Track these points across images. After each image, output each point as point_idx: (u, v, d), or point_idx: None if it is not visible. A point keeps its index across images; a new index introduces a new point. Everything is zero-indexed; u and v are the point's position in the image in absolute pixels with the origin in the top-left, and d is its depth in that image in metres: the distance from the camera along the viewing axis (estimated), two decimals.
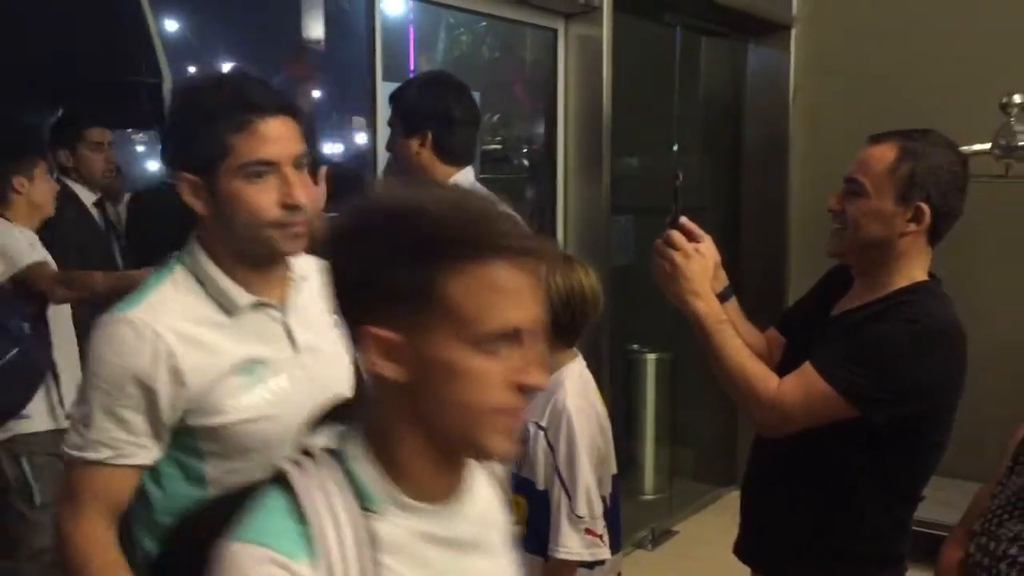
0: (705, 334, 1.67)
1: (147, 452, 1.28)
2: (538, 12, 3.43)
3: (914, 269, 1.64)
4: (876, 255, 1.64)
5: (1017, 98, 3.33)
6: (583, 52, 3.52)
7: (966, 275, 2.75)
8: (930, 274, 1.68)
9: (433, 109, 2.27)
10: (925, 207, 1.57)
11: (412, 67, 4.10)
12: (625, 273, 4.03)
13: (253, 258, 1.32)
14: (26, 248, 2.64)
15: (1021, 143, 3.34)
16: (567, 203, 3.63)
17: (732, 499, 2.22)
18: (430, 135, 2.25)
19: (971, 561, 1.40)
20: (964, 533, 1.50)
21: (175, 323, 1.27)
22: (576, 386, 1.95)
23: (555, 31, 3.52)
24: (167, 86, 8.21)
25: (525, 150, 4.10)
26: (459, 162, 2.32)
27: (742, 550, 1.88)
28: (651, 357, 4.53)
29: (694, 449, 4.85)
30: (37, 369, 2.61)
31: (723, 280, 1.83)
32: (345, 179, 3.50)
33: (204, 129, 1.25)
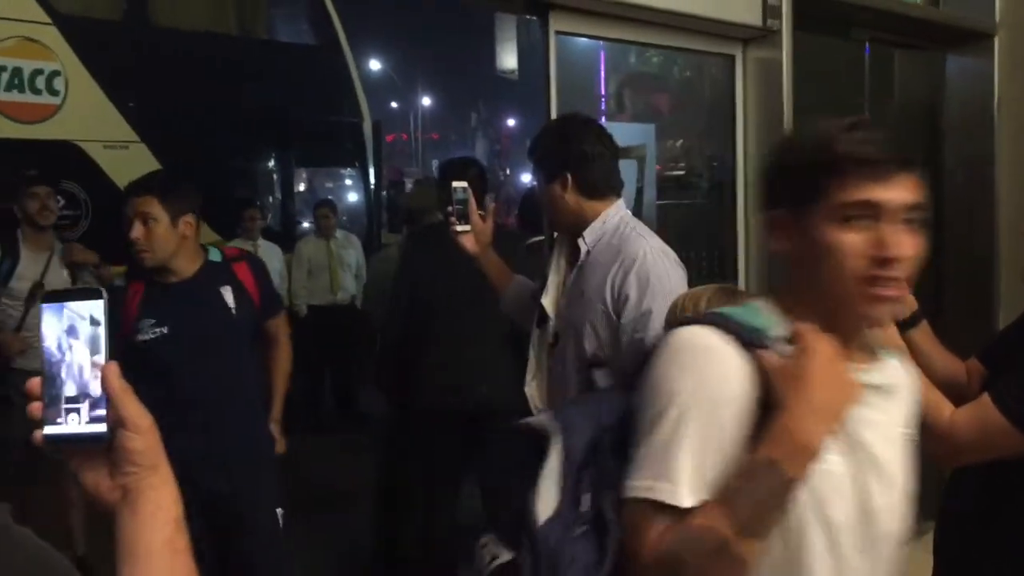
0: None
1: None
2: (716, 40, 3.44)
3: None
4: None
5: None
6: (762, 75, 3.49)
7: None
8: None
9: (568, 151, 2.30)
10: None
11: (603, 92, 4.18)
12: None
13: None
14: None
15: None
16: (748, 228, 3.58)
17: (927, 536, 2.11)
18: (570, 177, 2.28)
19: None
20: None
21: None
22: None
23: (733, 57, 3.50)
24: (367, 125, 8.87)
25: (706, 175, 4.09)
26: (606, 196, 2.32)
27: None
28: None
29: None
30: None
31: (911, 304, 1.79)
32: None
33: None
